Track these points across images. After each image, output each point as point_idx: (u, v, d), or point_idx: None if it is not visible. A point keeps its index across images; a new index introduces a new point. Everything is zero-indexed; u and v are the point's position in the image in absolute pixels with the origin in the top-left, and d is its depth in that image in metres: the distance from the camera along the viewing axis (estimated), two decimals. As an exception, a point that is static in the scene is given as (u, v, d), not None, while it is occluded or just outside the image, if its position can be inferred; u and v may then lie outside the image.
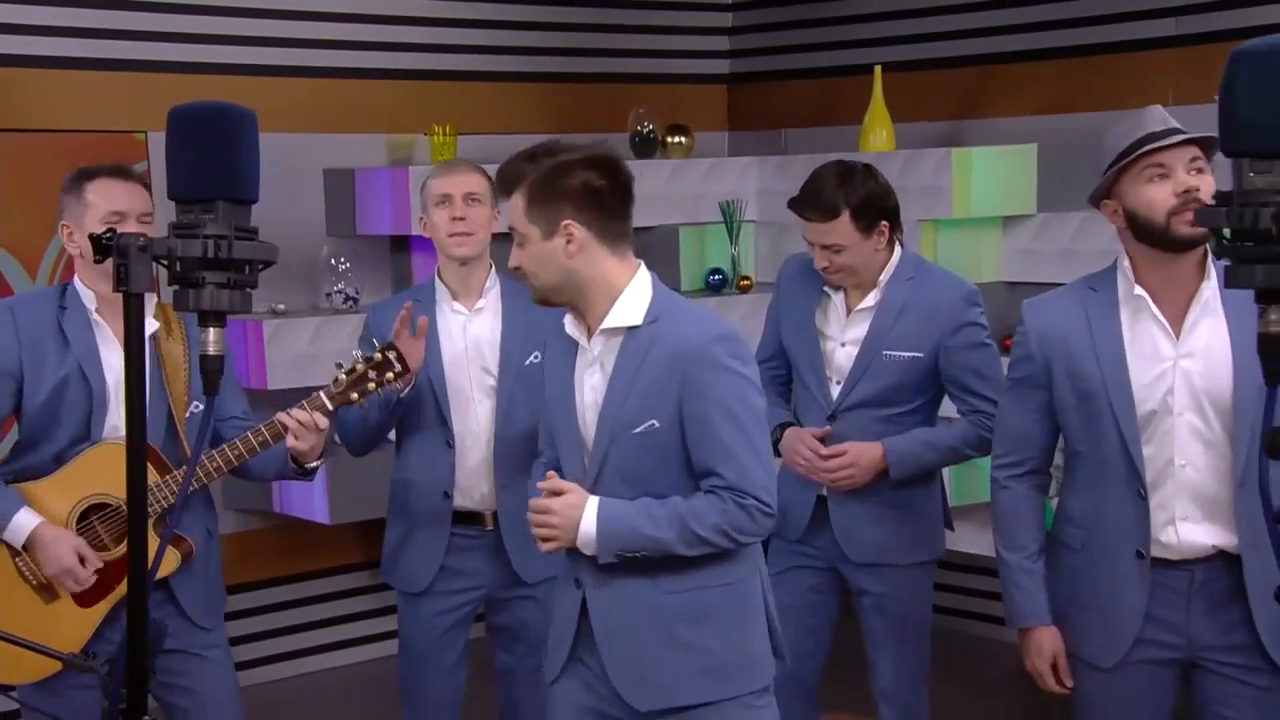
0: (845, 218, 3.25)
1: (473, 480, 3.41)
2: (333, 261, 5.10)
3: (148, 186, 3.27)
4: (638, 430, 2.56)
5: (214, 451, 3.13)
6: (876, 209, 3.25)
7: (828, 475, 3.38)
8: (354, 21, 5.41)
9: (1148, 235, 2.68)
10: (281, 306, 5.08)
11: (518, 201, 2.59)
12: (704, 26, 6.30)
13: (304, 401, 3.11)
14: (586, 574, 2.63)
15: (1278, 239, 1.59)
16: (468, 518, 3.42)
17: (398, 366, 3.16)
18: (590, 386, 2.66)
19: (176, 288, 1.83)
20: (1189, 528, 2.76)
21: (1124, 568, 2.82)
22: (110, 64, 4.98)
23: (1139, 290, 2.74)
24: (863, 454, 3.35)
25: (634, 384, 2.57)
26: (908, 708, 3.64)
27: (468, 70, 5.66)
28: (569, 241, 2.52)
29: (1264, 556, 2.60)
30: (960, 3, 5.48)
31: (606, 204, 2.57)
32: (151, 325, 3.19)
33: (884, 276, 3.39)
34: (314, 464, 3.21)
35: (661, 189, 5.37)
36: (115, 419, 3.17)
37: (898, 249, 3.36)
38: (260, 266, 1.90)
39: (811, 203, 3.26)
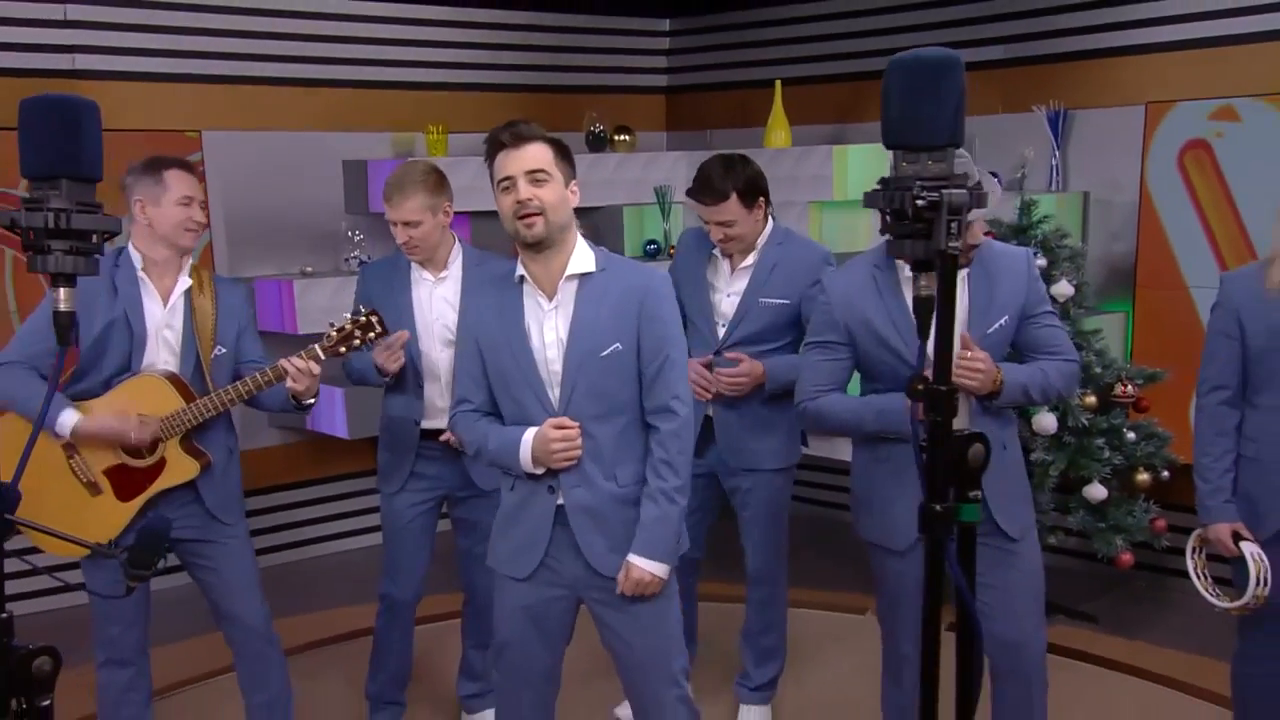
0: (733, 199, 3.29)
1: (435, 406, 3.39)
2: (349, 233, 5.14)
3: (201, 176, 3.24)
4: (604, 354, 2.52)
5: (229, 385, 3.11)
6: (755, 189, 3.29)
7: (727, 383, 3.40)
8: (366, 44, 5.47)
9: None
10: (309, 269, 5.15)
11: (545, 151, 2.49)
12: (646, 49, 6.32)
13: (302, 351, 3.08)
14: (564, 480, 2.57)
15: (915, 218, 1.57)
16: (432, 434, 3.39)
17: (379, 328, 3.12)
18: (550, 328, 2.57)
19: (29, 253, 1.75)
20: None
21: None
22: (171, 77, 5.03)
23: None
24: (754, 367, 3.39)
25: (599, 316, 2.53)
26: (773, 580, 3.68)
27: (456, 82, 5.70)
28: (573, 194, 2.53)
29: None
30: (841, 32, 5.57)
31: None
32: (185, 283, 3.18)
33: (760, 242, 3.44)
34: (309, 401, 3.16)
35: (609, 176, 5.43)
36: (152, 356, 3.15)
37: (770, 220, 3.41)
38: (105, 236, 1.82)
39: (705, 190, 3.28)
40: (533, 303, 2.57)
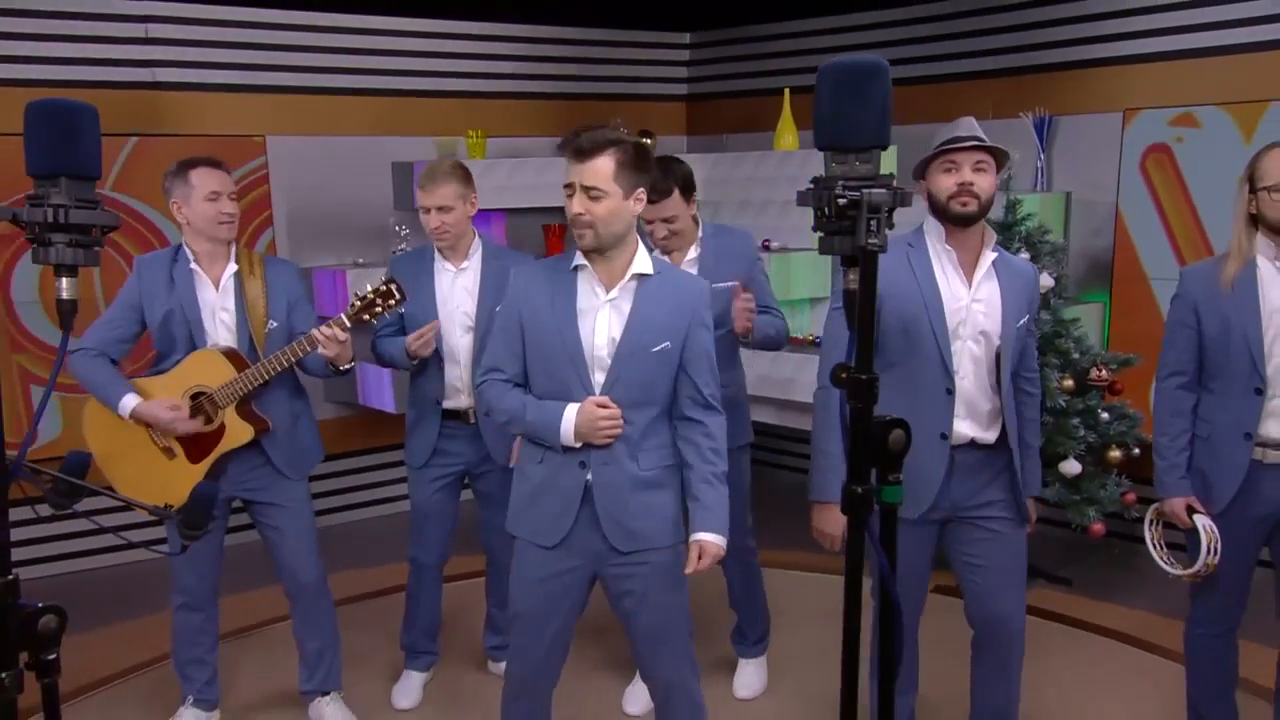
0: (676, 194, 3.21)
1: (455, 388, 3.40)
2: (397, 228, 5.20)
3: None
4: (656, 350, 2.48)
5: (275, 354, 3.09)
6: (690, 185, 3.22)
7: (747, 309, 3.26)
8: (413, 57, 5.49)
9: (936, 210, 2.65)
10: (361, 260, 5.23)
11: (605, 164, 2.39)
12: (668, 60, 6.31)
13: (330, 321, 3.07)
14: (594, 459, 2.53)
15: (838, 217, 1.52)
16: (454, 415, 3.40)
17: (397, 295, 3.09)
18: (603, 317, 2.50)
19: (34, 246, 1.71)
20: (963, 423, 2.72)
21: (929, 449, 2.69)
22: (240, 88, 5.08)
23: (947, 245, 2.67)
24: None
25: (656, 315, 2.49)
26: (745, 550, 3.61)
27: (494, 91, 5.71)
28: (638, 202, 2.44)
29: (1016, 445, 2.75)
30: (843, 45, 5.54)
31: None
32: (232, 268, 3.20)
33: (700, 235, 3.34)
34: (346, 366, 3.14)
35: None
36: (212, 335, 3.18)
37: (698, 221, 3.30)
38: (103, 230, 1.77)
39: (651, 189, 3.10)
40: (589, 290, 2.51)
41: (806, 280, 5.04)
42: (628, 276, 2.48)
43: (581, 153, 2.39)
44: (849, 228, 1.51)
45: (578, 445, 2.50)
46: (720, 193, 5.43)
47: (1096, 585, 4.46)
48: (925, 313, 2.65)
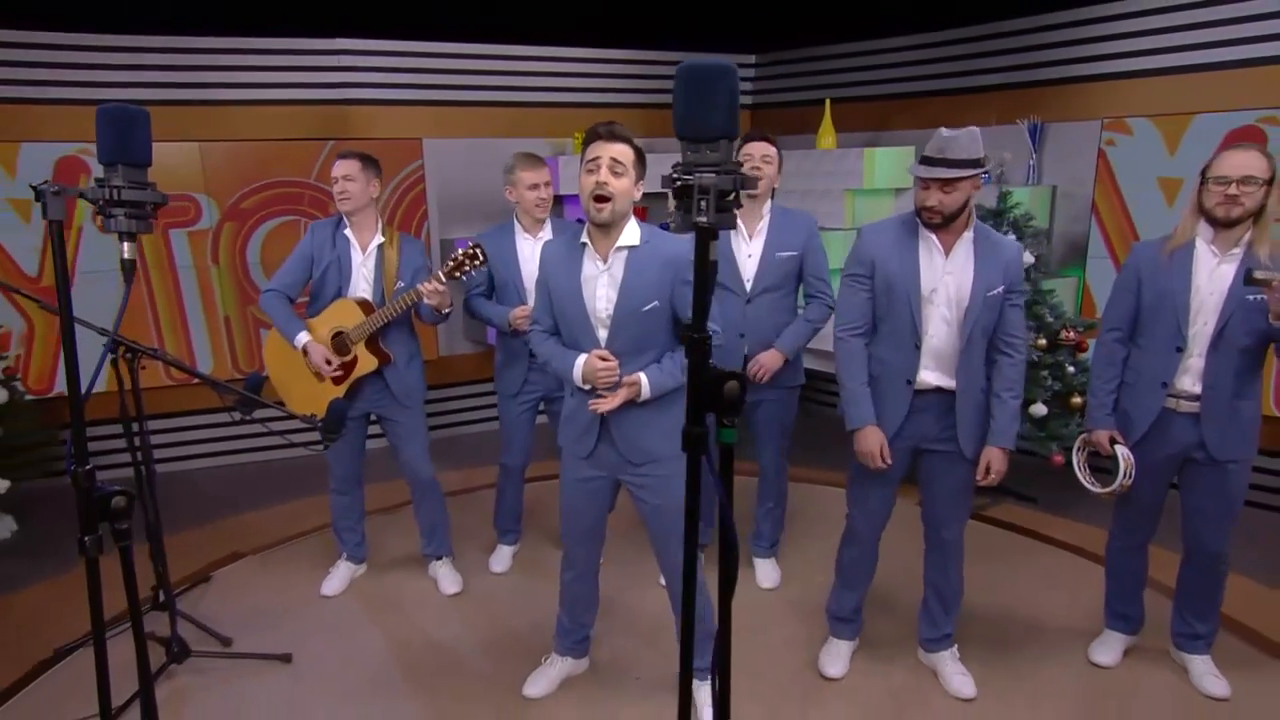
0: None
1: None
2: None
3: (373, 160, 3.23)
4: (646, 309, 2.45)
5: (393, 302, 3.13)
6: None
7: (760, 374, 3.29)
8: (533, 75, 5.51)
9: (919, 214, 2.64)
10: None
11: (628, 150, 2.38)
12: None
13: (429, 276, 3.09)
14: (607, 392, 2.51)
15: (677, 196, 1.44)
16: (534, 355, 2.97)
17: (481, 257, 3.06)
18: (601, 285, 2.47)
19: (100, 218, 1.76)
20: (926, 372, 2.73)
21: (895, 391, 2.75)
22: (403, 102, 5.18)
23: (926, 232, 2.65)
24: (775, 358, 3.30)
25: (642, 280, 2.45)
26: (777, 471, 3.53)
27: (593, 102, 5.72)
28: (639, 189, 2.44)
29: (967, 390, 2.72)
30: (874, 64, 5.54)
31: None
32: (379, 239, 3.22)
33: (767, 211, 3.24)
34: (446, 310, 3.13)
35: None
36: (355, 287, 3.22)
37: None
38: (153, 207, 1.79)
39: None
40: (590, 264, 2.49)
41: (839, 254, 4.86)
42: (618, 248, 2.45)
43: (614, 136, 2.39)
44: (689, 206, 1.45)
45: (587, 387, 2.53)
46: (781, 184, 5.26)
47: (1057, 505, 4.52)
48: (902, 281, 2.65)
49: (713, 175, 1.41)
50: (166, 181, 4.68)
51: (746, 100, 6.31)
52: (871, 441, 2.76)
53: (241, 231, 5.00)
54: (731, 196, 1.43)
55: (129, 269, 1.75)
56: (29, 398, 4.51)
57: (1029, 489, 4.70)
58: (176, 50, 4.76)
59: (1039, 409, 4.31)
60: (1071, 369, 4.36)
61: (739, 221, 3.24)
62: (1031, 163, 4.87)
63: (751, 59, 6.26)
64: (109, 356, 2.54)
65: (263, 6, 4.83)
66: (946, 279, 2.65)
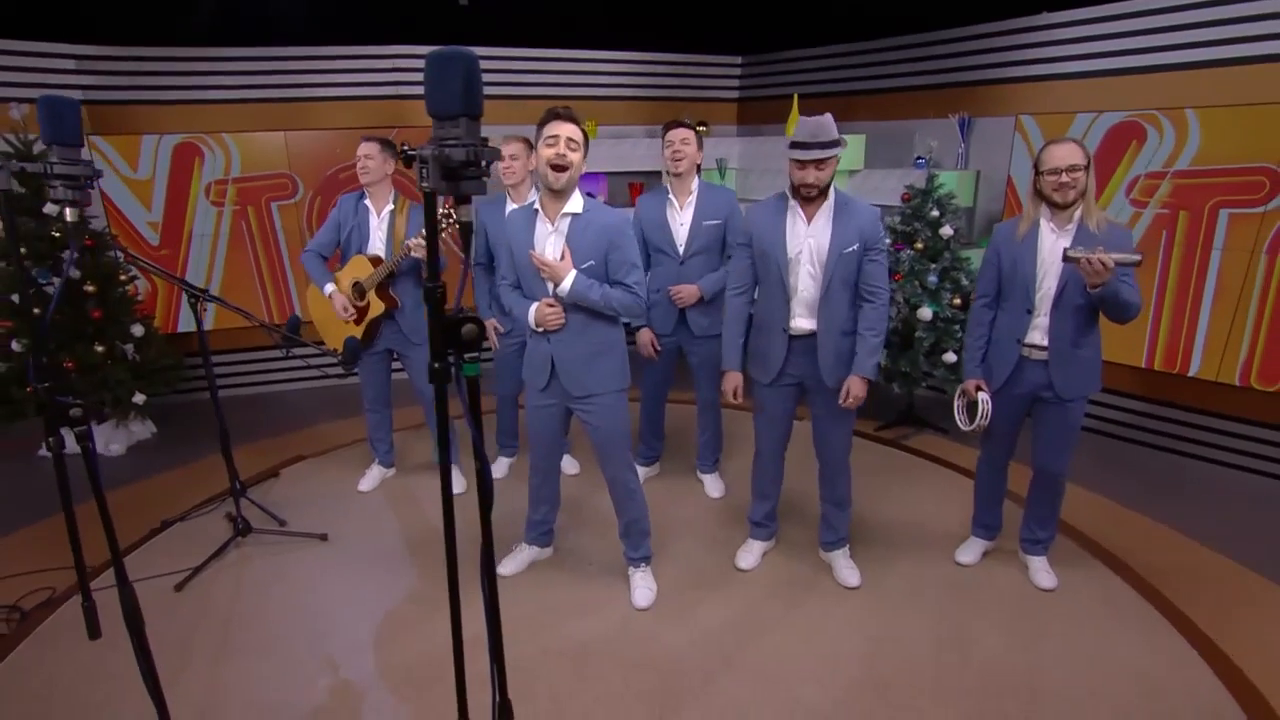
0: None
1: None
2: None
3: (390, 143, 3.17)
4: (584, 266, 2.46)
5: (392, 258, 3.05)
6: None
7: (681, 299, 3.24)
8: (557, 74, 5.38)
9: (798, 191, 2.65)
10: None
11: (578, 131, 2.38)
12: (726, 74, 6.09)
13: (417, 233, 3.05)
14: (553, 338, 2.54)
15: (408, 164, 1.36)
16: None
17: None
18: (549, 246, 2.48)
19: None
20: (799, 320, 2.77)
21: (775, 337, 2.79)
22: (503, 98, 5.24)
23: (794, 203, 2.69)
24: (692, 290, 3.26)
25: (583, 243, 2.45)
26: (713, 403, 3.47)
27: (605, 95, 5.65)
28: (582, 165, 2.45)
29: (827, 330, 2.74)
30: (836, 65, 5.45)
31: None
32: (390, 207, 3.19)
33: (695, 187, 3.25)
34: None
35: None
36: (372, 246, 3.20)
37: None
38: (86, 180, 1.68)
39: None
40: (542, 226, 2.50)
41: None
42: (564, 214, 2.45)
43: (569, 118, 2.38)
44: (419, 173, 1.37)
45: (540, 330, 2.57)
46: (757, 163, 5.41)
47: (965, 436, 4.53)
48: (773, 248, 2.71)
49: (432, 149, 1.34)
50: (260, 163, 4.76)
51: (733, 94, 6.25)
52: (729, 382, 2.85)
53: (319, 204, 5.00)
54: (471, 167, 1.35)
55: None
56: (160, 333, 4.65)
57: (943, 423, 4.73)
58: (265, 59, 4.89)
59: (950, 357, 4.30)
60: (980, 325, 4.33)
61: (670, 195, 3.23)
62: (960, 150, 4.85)
63: (739, 59, 6.20)
64: (191, 302, 2.74)
65: (333, 22, 4.93)
66: (809, 241, 2.68)
